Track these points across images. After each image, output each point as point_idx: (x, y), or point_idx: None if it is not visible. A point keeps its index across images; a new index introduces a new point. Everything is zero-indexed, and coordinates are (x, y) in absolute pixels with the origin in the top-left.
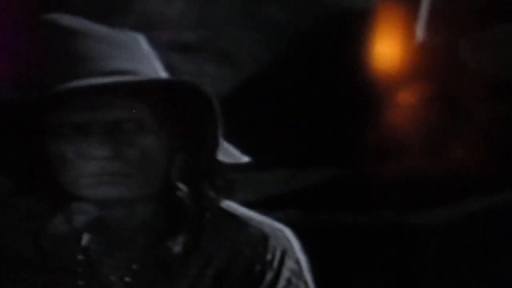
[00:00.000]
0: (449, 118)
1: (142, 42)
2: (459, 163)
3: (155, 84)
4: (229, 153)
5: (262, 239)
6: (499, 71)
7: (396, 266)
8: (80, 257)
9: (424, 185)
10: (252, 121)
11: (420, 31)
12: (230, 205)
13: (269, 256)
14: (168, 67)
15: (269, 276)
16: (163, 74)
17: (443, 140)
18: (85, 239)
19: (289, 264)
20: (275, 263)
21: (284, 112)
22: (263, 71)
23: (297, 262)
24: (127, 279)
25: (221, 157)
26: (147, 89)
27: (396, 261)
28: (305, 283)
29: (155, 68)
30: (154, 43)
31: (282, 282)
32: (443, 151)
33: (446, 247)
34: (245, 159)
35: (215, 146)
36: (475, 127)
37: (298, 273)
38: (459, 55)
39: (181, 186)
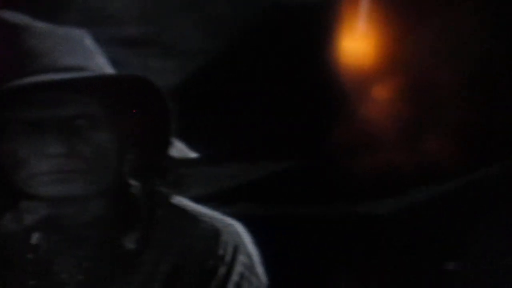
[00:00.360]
0: (395, 110)
1: (86, 38)
2: (406, 154)
3: (108, 80)
4: (178, 149)
5: (214, 234)
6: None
7: (348, 254)
8: (30, 256)
9: (373, 175)
10: (201, 116)
11: (362, 24)
12: (181, 200)
13: (221, 251)
14: (113, 62)
15: (222, 271)
16: (110, 69)
17: (389, 133)
18: (35, 237)
19: (241, 258)
20: (228, 258)
21: (233, 105)
22: (210, 64)
23: (249, 256)
24: (79, 277)
25: (172, 152)
26: (100, 85)
27: (348, 249)
28: (257, 276)
29: (102, 64)
30: (99, 38)
31: (234, 277)
32: (391, 143)
33: (395, 234)
34: (193, 154)
35: (166, 142)
36: (423, 119)
37: (250, 267)
38: (406, 46)
39: (133, 182)
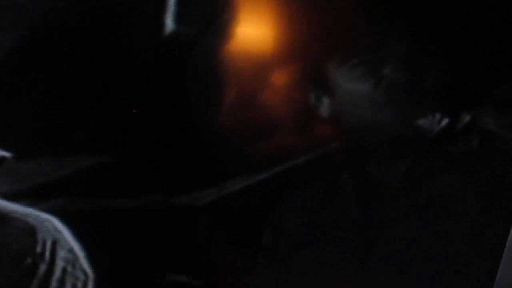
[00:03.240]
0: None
1: None
2: (222, 145)
3: None
4: None
5: (29, 231)
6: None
7: (170, 247)
8: None
9: (191, 166)
10: (5, 112)
11: (168, 21)
12: None
13: (39, 248)
14: None
15: (43, 268)
16: None
17: (200, 126)
18: None
19: (62, 253)
20: (47, 254)
21: (39, 100)
22: (9, 58)
23: (71, 251)
24: None
25: None
26: None
27: (169, 243)
28: (83, 270)
29: None
30: None
31: (57, 273)
32: (211, 134)
33: (214, 225)
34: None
35: None
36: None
37: (74, 262)
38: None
39: None
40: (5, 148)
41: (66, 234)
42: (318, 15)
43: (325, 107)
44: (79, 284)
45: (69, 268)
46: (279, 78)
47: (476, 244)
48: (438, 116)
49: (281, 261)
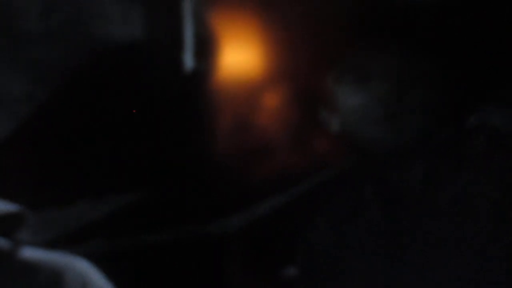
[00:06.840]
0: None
1: None
2: (240, 169)
3: None
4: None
5: (57, 277)
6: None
7: (205, 276)
8: None
9: (222, 192)
10: (36, 160)
11: (187, 58)
12: (16, 249)
13: None
14: None
15: None
16: None
17: (226, 151)
18: None
19: None
20: None
21: (69, 147)
22: (40, 110)
23: None
24: None
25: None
26: None
27: (204, 272)
28: None
29: None
30: None
31: None
32: (230, 159)
33: (246, 251)
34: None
35: None
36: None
37: None
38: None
39: None
40: (42, 196)
41: (96, 274)
42: (310, 36)
43: (333, 125)
44: None
45: None
46: (288, 104)
47: (498, 241)
48: (442, 120)
49: (315, 280)
